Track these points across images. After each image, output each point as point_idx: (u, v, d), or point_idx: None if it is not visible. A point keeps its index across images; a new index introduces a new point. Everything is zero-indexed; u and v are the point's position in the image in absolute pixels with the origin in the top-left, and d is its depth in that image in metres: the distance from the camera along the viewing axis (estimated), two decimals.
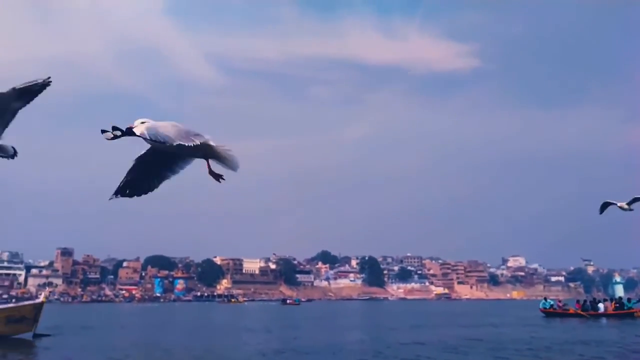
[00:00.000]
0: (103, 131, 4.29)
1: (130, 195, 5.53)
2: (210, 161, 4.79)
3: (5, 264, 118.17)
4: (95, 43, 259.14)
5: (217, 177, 4.70)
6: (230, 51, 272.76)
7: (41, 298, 20.74)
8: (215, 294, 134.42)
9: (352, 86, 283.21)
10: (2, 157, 5.99)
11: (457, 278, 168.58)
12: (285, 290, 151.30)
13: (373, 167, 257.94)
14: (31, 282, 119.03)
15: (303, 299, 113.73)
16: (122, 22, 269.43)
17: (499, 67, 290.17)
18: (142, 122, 4.41)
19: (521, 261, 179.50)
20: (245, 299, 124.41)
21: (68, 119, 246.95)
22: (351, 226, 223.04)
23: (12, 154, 5.98)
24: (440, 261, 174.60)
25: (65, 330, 25.12)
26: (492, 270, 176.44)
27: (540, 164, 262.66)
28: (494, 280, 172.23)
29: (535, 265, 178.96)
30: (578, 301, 36.70)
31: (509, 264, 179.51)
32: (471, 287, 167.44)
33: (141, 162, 4.99)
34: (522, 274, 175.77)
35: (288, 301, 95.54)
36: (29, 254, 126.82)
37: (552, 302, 37.48)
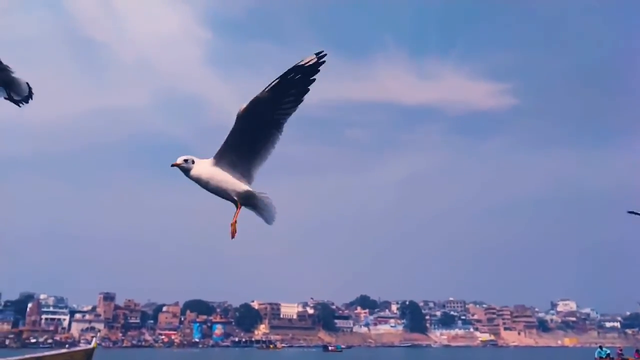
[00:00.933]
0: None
1: None
2: (245, 210, 4.77)
3: (51, 309, 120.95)
4: (140, 94, 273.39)
5: (232, 233, 4.68)
6: None
7: (92, 344, 20.78)
8: (253, 339, 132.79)
9: (389, 127, 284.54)
10: (14, 100, 5.34)
11: (504, 324, 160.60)
12: (323, 336, 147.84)
13: (412, 208, 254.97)
14: (75, 327, 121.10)
15: (343, 346, 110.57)
16: (166, 73, 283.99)
17: (536, 105, 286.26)
18: (185, 159, 4.62)
19: (572, 305, 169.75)
20: (283, 344, 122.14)
21: (115, 167, 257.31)
22: (390, 269, 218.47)
23: (26, 95, 5.43)
24: (484, 306, 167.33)
25: None
26: (540, 315, 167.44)
27: (588, 202, 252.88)
28: (543, 326, 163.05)
29: (587, 310, 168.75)
30: (637, 350, 33.83)
31: (559, 309, 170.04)
32: (519, 334, 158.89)
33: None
34: (574, 319, 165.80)
35: (330, 348, 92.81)
36: (73, 299, 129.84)
37: (608, 351, 34.49)
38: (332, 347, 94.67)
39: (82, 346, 22.05)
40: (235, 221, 4.63)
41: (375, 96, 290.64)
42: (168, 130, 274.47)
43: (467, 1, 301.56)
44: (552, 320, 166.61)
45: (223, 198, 4.69)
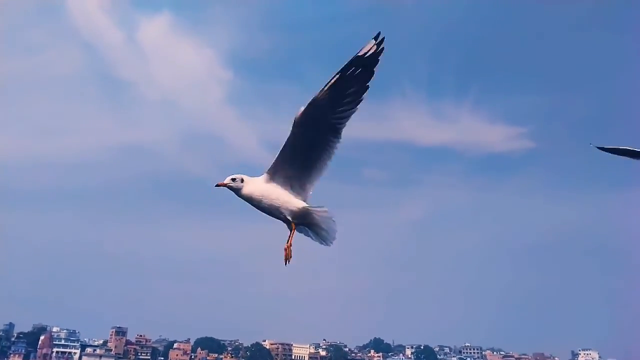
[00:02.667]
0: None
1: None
2: (300, 231, 4.59)
3: (62, 342, 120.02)
4: (163, 131, 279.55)
5: (286, 257, 4.40)
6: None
7: None
8: None
9: (406, 168, 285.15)
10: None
11: None
12: None
13: (428, 249, 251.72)
14: None
15: None
16: (188, 111, 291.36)
17: (553, 149, 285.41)
18: (233, 178, 4.43)
19: (594, 355, 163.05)
20: None
21: (134, 202, 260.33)
22: (405, 312, 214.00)
23: None
24: (502, 353, 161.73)
25: None
26: None
27: (610, 249, 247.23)
28: None
29: None
30: None
31: (580, 359, 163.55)
32: None
33: None
34: None
35: None
36: (85, 332, 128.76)
37: None
38: None
39: None
40: (290, 244, 4.38)
41: (393, 136, 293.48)
42: (188, 167, 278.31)
43: (483, 46, 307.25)
44: None
45: (276, 217, 4.43)
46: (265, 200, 4.33)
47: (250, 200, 4.39)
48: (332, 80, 3.90)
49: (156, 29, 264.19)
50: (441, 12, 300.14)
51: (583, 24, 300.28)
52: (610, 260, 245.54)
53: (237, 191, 4.39)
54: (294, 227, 4.42)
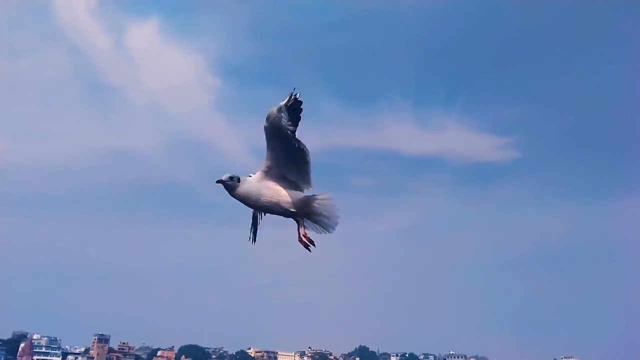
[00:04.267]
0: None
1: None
2: (305, 223, 4.70)
3: (43, 349, 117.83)
4: (150, 137, 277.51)
5: (308, 242, 4.56)
6: None
7: None
8: None
9: (392, 176, 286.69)
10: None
11: None
12: None
13: (413, 258, 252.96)
14: None
15: None
16: (176, 117, 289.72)
17: (539, 159, 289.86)
18: (230, 177, 4.60)
19: None
20: None
21: (120, 207, 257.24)
22: (390, 320, 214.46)
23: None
24: None
25: None
26: None
27: (593, 257, 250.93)
28: None
29: None
30: None
31: None
32: None
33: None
34: None
35: None
36: (66, 340, 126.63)
37: None
38: None
39: None
40: (304, 234, 4.54)
41: (380, 145, 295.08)
42: (175, 173, 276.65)
43: (470, 56, 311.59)
44: None
45: (277, 214, 4.53)
46: (263, 198, 4.45)
47: (247, 199, 4.49)
48: (282, 104, 4.51)
49: (145, 35, 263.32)
50: (429, 22, 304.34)
51: (570, 34, 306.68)
52: (595, 269, 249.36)
53: (232, 189, 4.48)
54: (301, 219, 4.59)
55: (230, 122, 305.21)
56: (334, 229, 4.64)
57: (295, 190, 4.55)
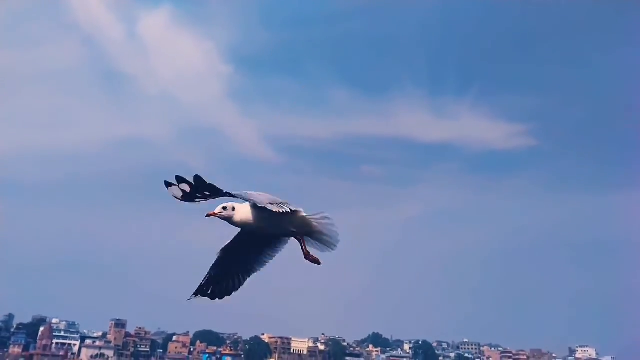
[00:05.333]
0: (168, 184, 3.83)
1: (212, 297, 5.17)
2: (306, 240, 4.57)
3: (62, 334, 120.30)
4: (162, 125, 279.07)
5: (315, 261, 4.45)
6: (286, 132, 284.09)
7: None
8: None
9: (405, 165, 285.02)
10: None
11: None
12: None
13: (427, 246, 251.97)
14: (84, 352, 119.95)
15: None
16: (188, 106, 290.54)
17: (555, 148, 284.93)
18: (224, 207, 4.34)
19: (591, 352, 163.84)
20: None
21: (130, 193, 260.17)
22: (404, 308, 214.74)
23: None
24: (500, 349, 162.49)
25: None
26: None
27: (609, 247, 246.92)
28: None
29: (607, 358, 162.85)
30: None
31: (578, 355, 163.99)
32: None
33: (227, 253, 4.65)
34: None
35: None
36: (84, 324, 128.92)
37: None
38: None
39: None
40: (307, 251, 4.46)
41: (392, 133, 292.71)
42: (187, 162, 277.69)
43: (485, 43, 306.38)
44: None
45: (279, 235, 4.47)
46: (263, 222, 4.32)
47: (245, 225, 4.37)
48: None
49: (156, 23, 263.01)
50: (443, 9, 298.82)
51: (590, 22, 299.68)
52: (609, 259, 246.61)
53: (229, 219, 4.35)
54: (302, 239, 4.49)
55: (242, 110, 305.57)
56: (335, 246, 4.56)
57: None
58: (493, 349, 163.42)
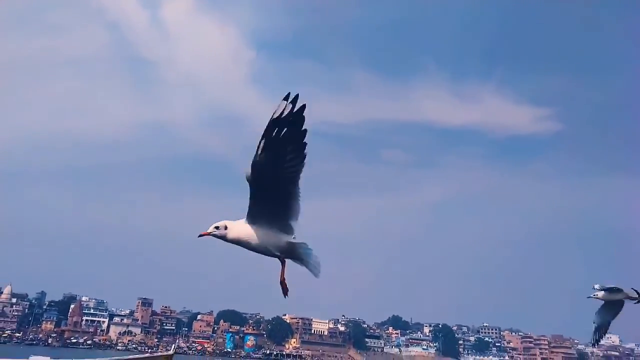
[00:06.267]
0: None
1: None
2: (290, 262, 4.75)
3: (91, 311, 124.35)
4: (185, 110, 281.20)
5: (284, 291, 4.70)
6: (308, 117, 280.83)
7: (171, 350, 21.57)
8: (283, 352, 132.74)
9: (426, 149, 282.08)
10: None
11: (541, 354, 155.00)
12: (354, 354, 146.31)
13: (448, 231, 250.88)
14: (113, 329, 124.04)
15: None
16: (212, 91, 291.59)
17: (581, 132, 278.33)
18: (216, 227, 4.58)
19: (614, 339, 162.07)
20: None
21: (155, 177, 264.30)
22: (424, 291, 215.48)
23: None
24: (521, 334, 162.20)
25: None
26: (580, 347, 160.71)
27: (634, 233, 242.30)
28: (582, 359, 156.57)
29: (631, 345, 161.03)
30: None
31: (601, 342, 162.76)
32: None
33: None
34: (616, 354, 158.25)
35: None
36: (112, 302, 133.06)
37: None
38: None
39: (162, 352, 22.82)
40: (284, 278, 4.63)
41: (413, 117, 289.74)
42: (211, 146, 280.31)
43: (510, 24, 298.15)
44: (592, 353, 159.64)
45: (265, 255, 4.60)
46: (252, 242, 4.52)
47: (238, 243, 4.57)
48: (261, 145, 3.93)
49: (180, 8, 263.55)
50: None
51: (615, 1, 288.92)
52: (633, 246, 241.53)
53: (222, 238, 4.57)
54: (284, 263, 4.67)
55: (265, 95, 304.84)
56: (319, 274, 4.61)
57: (281, 233, 4.58)
58: (513, 333, 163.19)
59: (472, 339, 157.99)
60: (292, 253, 4.58)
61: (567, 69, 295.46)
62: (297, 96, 3.82)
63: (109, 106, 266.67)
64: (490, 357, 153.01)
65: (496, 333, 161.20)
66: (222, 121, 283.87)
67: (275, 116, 3.86)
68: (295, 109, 3.86)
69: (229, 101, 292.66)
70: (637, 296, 11.82)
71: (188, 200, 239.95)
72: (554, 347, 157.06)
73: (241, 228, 4.53)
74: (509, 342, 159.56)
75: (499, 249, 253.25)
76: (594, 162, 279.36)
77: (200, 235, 4.62)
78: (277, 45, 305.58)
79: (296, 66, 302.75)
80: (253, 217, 4.50)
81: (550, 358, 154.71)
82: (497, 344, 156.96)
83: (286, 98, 3.84)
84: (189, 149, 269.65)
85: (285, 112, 3.85)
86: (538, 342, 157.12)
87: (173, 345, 24.26)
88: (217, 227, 4.54)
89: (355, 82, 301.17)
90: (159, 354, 22.09)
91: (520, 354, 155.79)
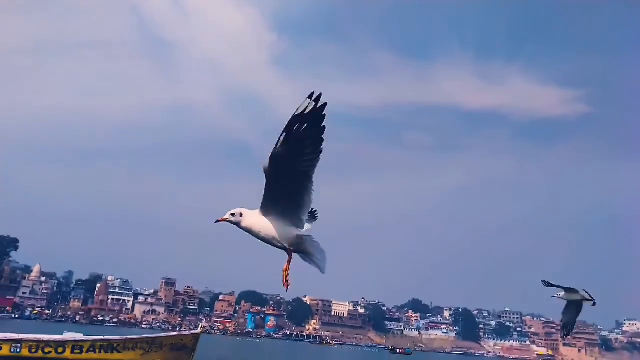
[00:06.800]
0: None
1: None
2: (297, 256, 4.81)
3: (117, 290, 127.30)
4: (206, 91, 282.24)
5: (285, 282, 4.79)
6: (328, 98, 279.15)
7: (199, 329, 21.66)
8: (304, 334, 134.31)
9: (449, 132, 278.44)
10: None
11: (563, 339, 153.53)
12: (373, 336, 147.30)
13: (470, 215, 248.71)
14: (137, 308, 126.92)
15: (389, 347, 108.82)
16: (231, 72, 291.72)
17: (610, 114, 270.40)
18: (232, 213, 4.71)
19: (639, 326, 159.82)
20: (334, 342, 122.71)
21: (176, 158, 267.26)
22: (445, 275, 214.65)
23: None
24: (543, 319, 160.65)
25: None
26: (604, 333, 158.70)
27: None
28: (606, 346, 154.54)
29: None
30: None
31: (625, 329, 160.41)
32: (579, 351, 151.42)
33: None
34: None
35: (399, 350, 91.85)
36: (137, 282, 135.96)
37: None
38: (401, 350, 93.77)
39: (191, 331, 23.04)
40: (287, 270, 4.74)
41: (436, 99, 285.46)
42: (231, 128, 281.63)
43: (539, 3, 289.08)
44: (616, 339, 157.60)
45: (274, 246, 4.74)
46: (262, 232, 4.66)
47: (250, 232, 4.71)
48: (281, 138, 4.09)
49: None
50: None
51: None
52: None
53: (237, 224, 4.72)
54: (290, 256, 4.77)
55: (286, 76, 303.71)
56: (324, 270, 4.77)
57: (292, 226, 4.76)
58: (535, 318, 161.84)
59: (492, 323, 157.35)
60: (300, 247, 4.73)
61: (598, 50, 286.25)
62: (320, 95, 4.04)
63: (130, 88, 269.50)
64: (512, 341, 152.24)
65: (517, 318, 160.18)
66: (243, 102, 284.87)
67: (297, 112, 4.08)
68: (318, 106, 4.09)
69: (249, 82, 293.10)
70: (590, 298, 12.73)
71: (209, 181, 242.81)
72: (576, 333, 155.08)
73: (255, 218, 4.71)
74: (530, 327, 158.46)
75: (521, 233, 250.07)
76: (624, 146, 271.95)
77: (217, 221, 4.79)
78: (299, 27, 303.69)
79: (317, 48, 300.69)
80: (266, 208, 4.67)
81: (572, 344, 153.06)
82: (518, 329, 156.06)
83: (310, 96, 4.06)
84: (209, 131, 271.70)
85: (308, 110, 4.07)
86: (560, 327, 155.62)
87: (200, 324, 24.43)
88: (233, 214, 4.71)
89: (377, 63, 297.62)
90: (188, 332, 22.18)
91: (542, 339, 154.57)
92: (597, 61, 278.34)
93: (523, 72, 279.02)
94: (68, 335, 18.30)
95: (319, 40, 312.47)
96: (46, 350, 17.11)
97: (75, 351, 17.52)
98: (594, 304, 12.77)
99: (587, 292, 12.90)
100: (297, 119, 4.09)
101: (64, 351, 17.32)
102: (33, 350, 16.88)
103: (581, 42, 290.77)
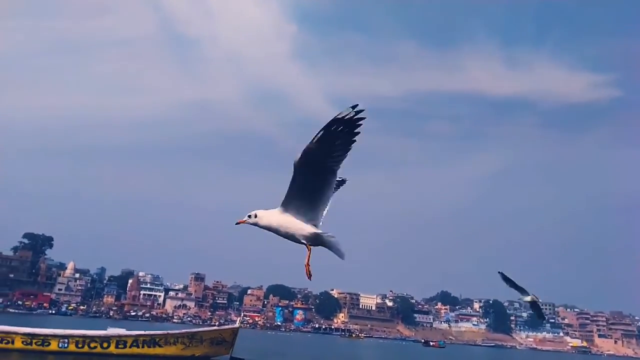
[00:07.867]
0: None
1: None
2: (317, 248, 4.91)
3: (148, 286, 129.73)
4: (228, 87, 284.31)
5: (308, 274, 4.96)
6: (350, 89, 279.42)
7: (237, 323, 21.62)
8: (332, 327, 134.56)
9: (475, 120, 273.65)
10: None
11: (598, 330, 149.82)
12: (402, 329, 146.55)
13: (499, 204, 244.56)
14: (168, 303, 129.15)
15: (422, 340, 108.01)
16: (253, 67, 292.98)
17: None
18: (249, 215, 4.93)
19: None
20: (363, 334, 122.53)
21: (201, 155, 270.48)
22: (473, 267, 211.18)
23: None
24: (576, 310, 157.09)
25: (256, 354, 26.07)
26: None
27: None
28: None
29: None
30: None
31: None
32: (615, 342, 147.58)
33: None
34: None
35: (432, 343, 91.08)
36: (167, 277, 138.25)
37: None
38: (434, 343, 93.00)
39: (230, 325, 23.06)
40: (308, 263, 4.90)
41: (462, 87, 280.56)
42: (253, 122, 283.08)
43: None
44: None
45: (293, 242, 4.93)
46: (281, 229, 4.88)
47: (269, 229, 4.96)
48: (319, 134, 4.35)
49: None
50: None
51: None
52: None
53: (256, 225, 4.98)
54: (309, 249, 4.95)
55: (307, 69, 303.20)
56: (344, 256, 4.86)
57: (309, 222, 4.98)
58: (569, 309, 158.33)
59: (524, 315, 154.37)
60: (318, 241, 4.89)
61: (629, 29, 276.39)
62: (362, 110, 4.31)
63: (153, 85, 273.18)
64: (544, 333, 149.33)
65: (550, 309, 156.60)
66: (264, 97, 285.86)
67: (339, 116, 4.29)
68: (357, 116, 4.32)
69: (271, 77, 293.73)
70: (538, 300, 12.89)
71: (234, 176, 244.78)
72: (612, 323, 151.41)
73: (273, 216, 4.93)
74: (563, 319, 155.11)
75: (551, 222, 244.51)
76: None
77: (237, 224, 5.06)
78: (319, 18, 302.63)
79: (339, 39, 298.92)
80: (287, 203, 4.87)
81: (608, 335, 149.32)
82: (551, 320, 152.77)
83: (353, 107, 4.30)
84: (233, 125, 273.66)
85: (348, 117, 4.29)
86: (595, 318, 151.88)
87: (238, 319, 24.39)
88: (249, 216, 4.98)
89: (400, 52, 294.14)
90: (227, 327, 22.24)
91: (576, 331, 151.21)
92: (627, 44, 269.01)
93: (550, 58, 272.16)
94: (112, 331, 18.51)
95: (339, 31, 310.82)
96: (92, 345, 17.35)
97: (120, 346, 17.73)
98: (542, 318, 13.51)
99: (535, 296, 13.04)
100: (336, 121, 4.30)
101: (108, 346, 17.56)
102: (79, 346, 17.13)
103: (610, 25, 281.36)
